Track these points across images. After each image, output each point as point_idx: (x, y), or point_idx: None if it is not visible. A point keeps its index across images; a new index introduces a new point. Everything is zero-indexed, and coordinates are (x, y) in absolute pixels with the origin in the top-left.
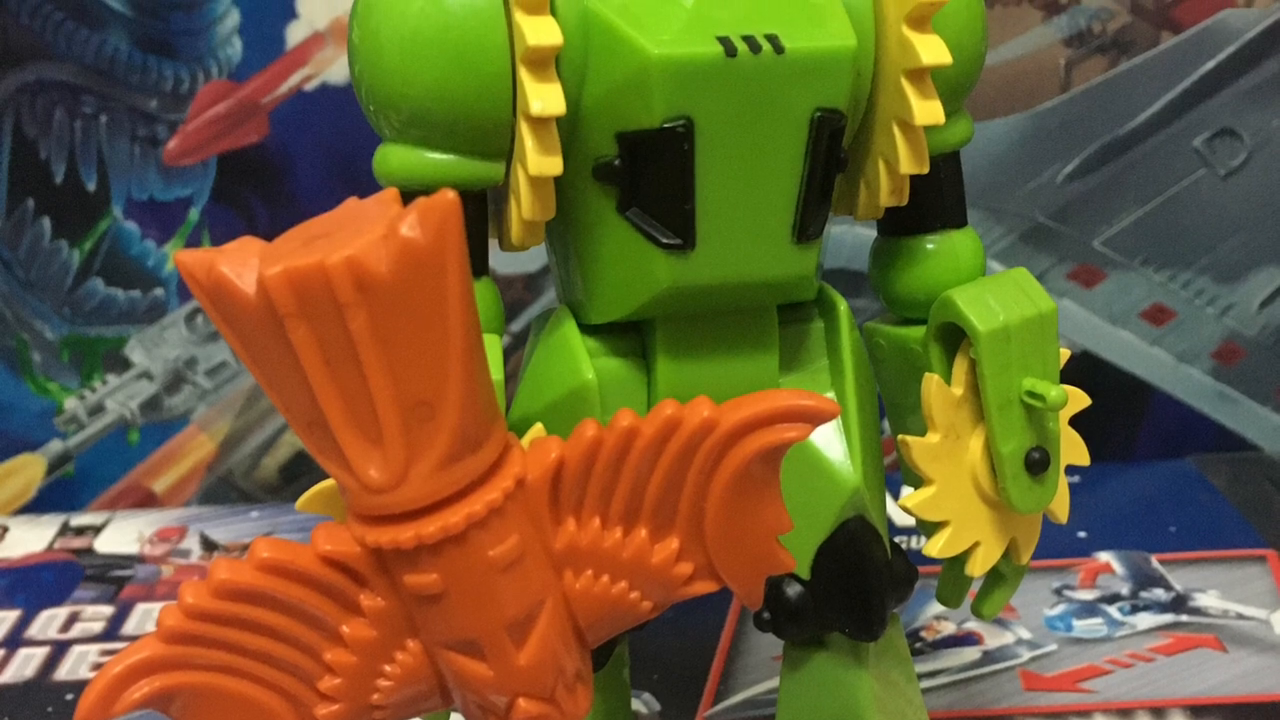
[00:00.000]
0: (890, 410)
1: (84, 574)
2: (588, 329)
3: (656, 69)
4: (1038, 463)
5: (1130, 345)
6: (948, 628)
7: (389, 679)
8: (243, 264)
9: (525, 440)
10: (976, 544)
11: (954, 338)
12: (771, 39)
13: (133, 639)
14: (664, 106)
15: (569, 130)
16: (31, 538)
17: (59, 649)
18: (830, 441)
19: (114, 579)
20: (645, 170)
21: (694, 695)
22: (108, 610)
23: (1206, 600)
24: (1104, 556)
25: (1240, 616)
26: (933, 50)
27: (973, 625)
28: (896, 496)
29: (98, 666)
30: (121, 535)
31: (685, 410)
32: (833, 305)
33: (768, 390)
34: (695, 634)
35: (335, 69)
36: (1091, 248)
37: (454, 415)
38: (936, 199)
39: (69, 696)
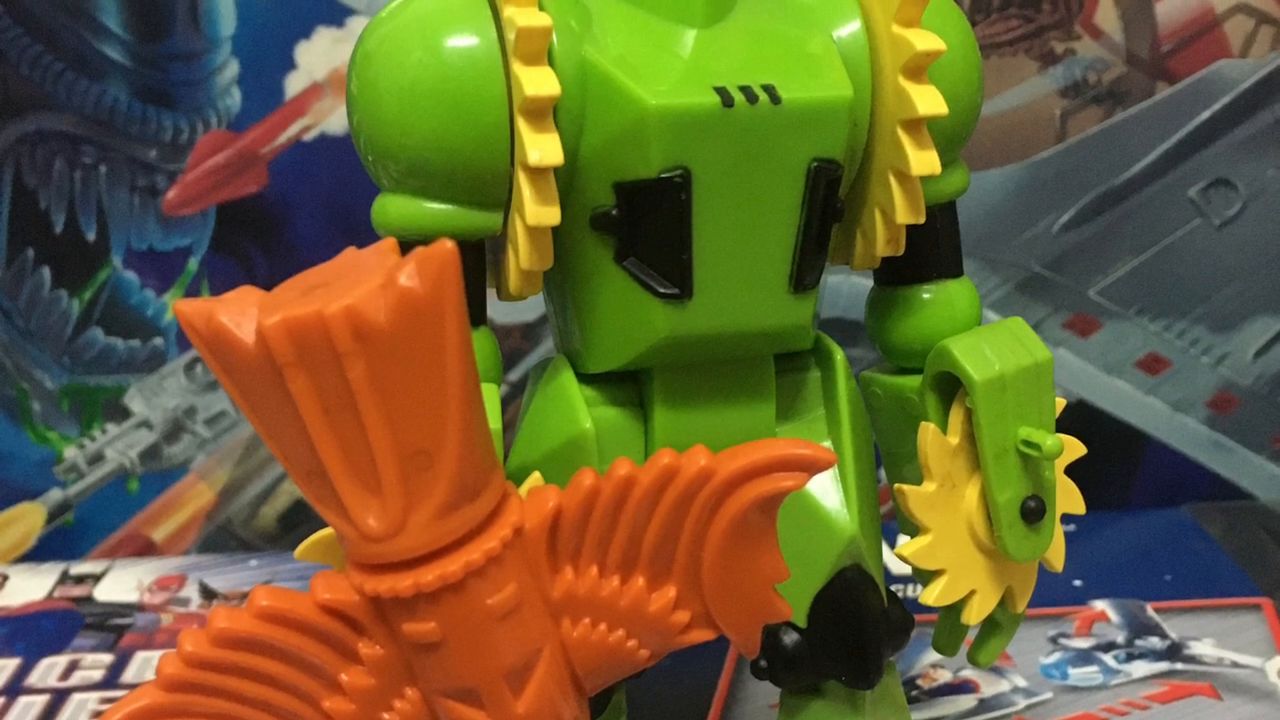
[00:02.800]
0: (887, 459)
1: (83, 622)
2: (585, 378)
3: (654, 119)
4: (1033, 511)
5: (1125, 394)
6: (944, 675)
7: None
8: (241, 313)
9: (523, 489)
10: (972, 592)
11: (950, 387)
12: (768, 89)
13: (132, 687)
14: (661, 157)
15: (567, 180)
16: (31, 586)
17: (59, 697)
18: (827, 490)
19: (113, 627)
20: (642, 220)
21: None
22: (107, 658)
23: (1202, 648)
24: (1099, 605)
25: (1235, 665)
26: (929, 101)
27: (969, 673)
28: (893, 545)
29: (97, 714)
30: (121, 583)
31: (682, 459)
32: (829, 354)
33: (764, 439)
34: (692, 682)
35: (334, 119)
36: (1087, 297)
37: (452, 464)
38: (933, 249)
39: None
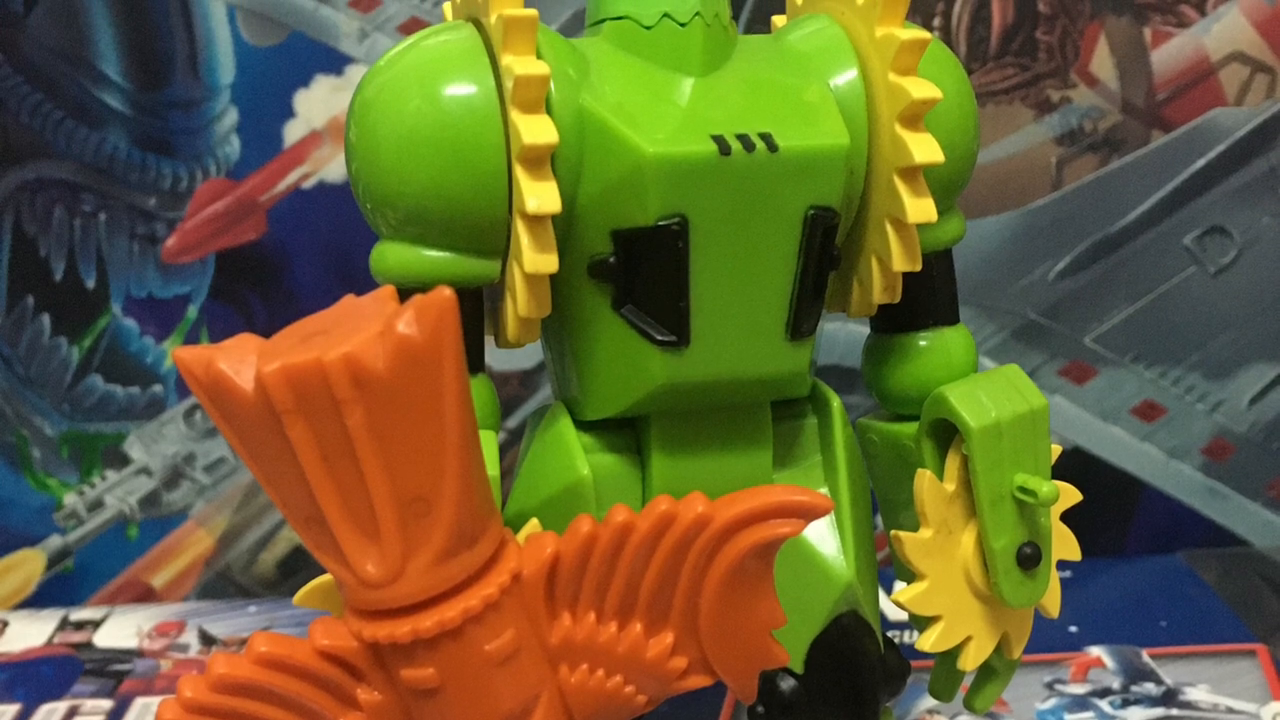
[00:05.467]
0: (883, 506)
1: (83, 668)
2: (583, 425)
3: (651, 167)
4: (1029, 558)
5: (1121, 441)
6: None
7: None
8: (241, 361)
9: (521, 536)
10: (969, 638)
11: (946, 434)
12: (765, 137)
13: None
14: (659, 204)
15: (564, 228)
16: (31, 632)
17: None
18: (823, 537)
19: (113, 673)
20: (640, 268)
21: None
22: (107, 704)
23: (1197, 694)
24: (1095, 651)
25: (1230, 710)
26: (925, 149)
27: (965, 719)
28: (889, 591)
29: None
30: (120, 630)
31: (680, 506)
32: (826, 401)
33: (762, 486)
34: None
35: (333, 167)
36: (1083, 344)
37: (450, 511)
38: (929, 296)
39: None
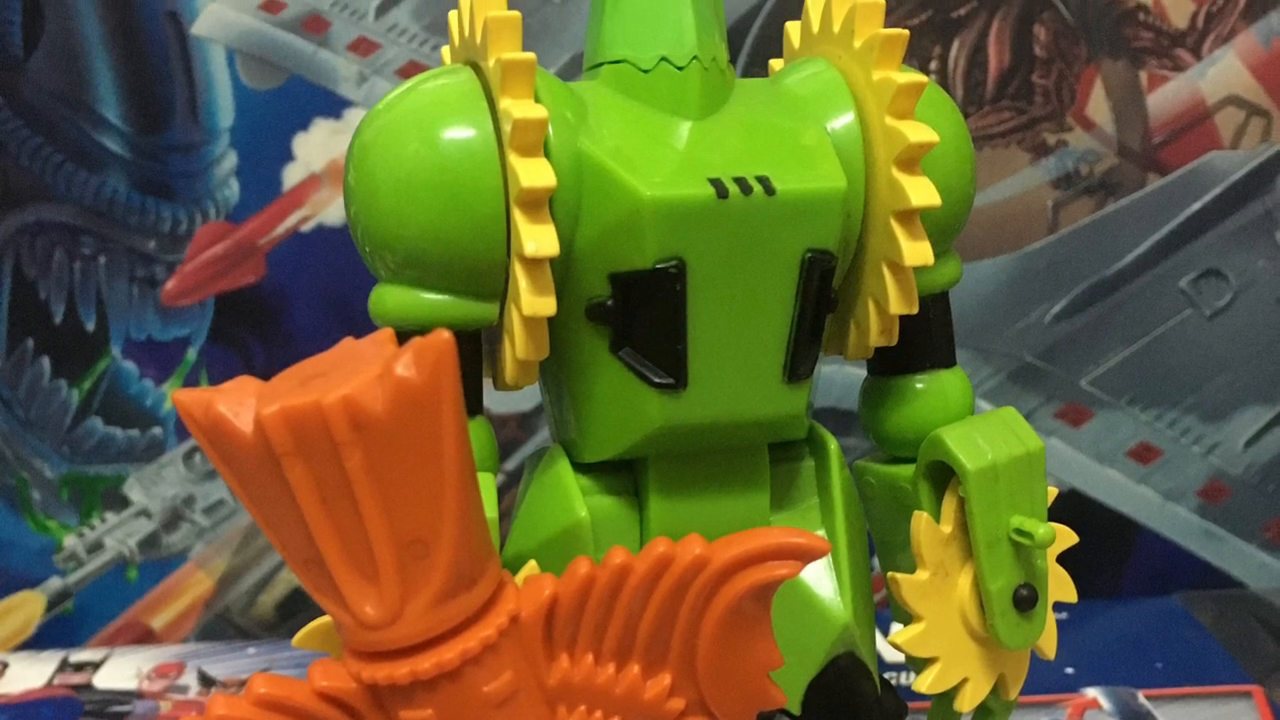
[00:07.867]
0: (880, 548)
1: (83, 710)
2: (581, 467)
3: (649, 210)
4: (1026, 599)
5: (1117, 483)
6: None
7: None
8: (240, 403)
9: (519, 577)
10: (965, 680)
11: (943, 476)
12: (762, 180)
13: None
14: (656, 247)
15: (562, 271)
16: (31, 674)
17: None
18: (821, 579)
19: (113, 715)
20: (638, 310)
21: None
22: None
23: None
24: (1091, 692)
25: None
26: (922, 192)
27: None
28: (886, 633)
29: None
30: (120, 671)
31: (677, 548)
32: (823, 444)
33: (759, 528)
34: None
35: (331, 210)
36: (1079, 387)
37: (449, 553)
38: (925, 339)
39: None
